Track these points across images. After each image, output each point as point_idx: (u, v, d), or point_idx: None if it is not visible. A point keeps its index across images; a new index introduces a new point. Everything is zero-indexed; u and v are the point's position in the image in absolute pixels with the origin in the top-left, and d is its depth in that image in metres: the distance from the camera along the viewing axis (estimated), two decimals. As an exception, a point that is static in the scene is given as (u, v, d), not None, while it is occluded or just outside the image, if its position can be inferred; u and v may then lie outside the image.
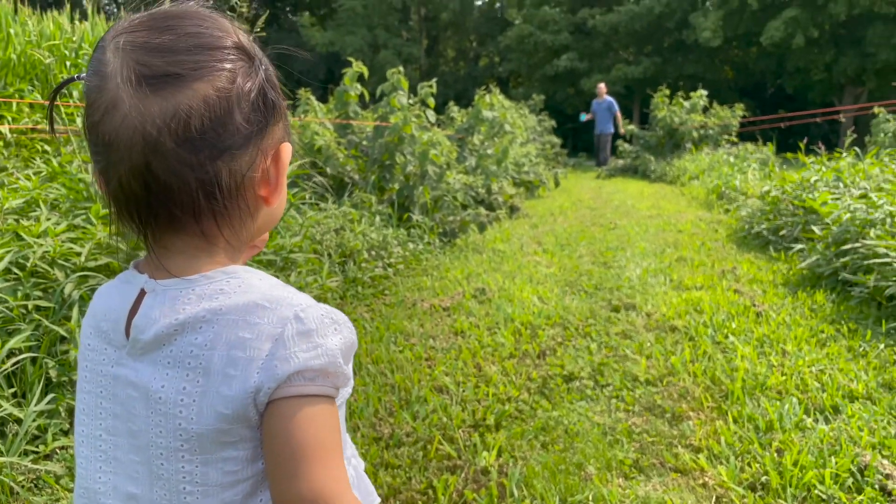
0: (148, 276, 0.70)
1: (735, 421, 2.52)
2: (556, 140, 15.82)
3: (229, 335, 0.65)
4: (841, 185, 5.93)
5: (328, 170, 6.25)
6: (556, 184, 11.24)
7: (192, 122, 0.64)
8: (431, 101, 7.15)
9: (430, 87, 7.06)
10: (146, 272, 0.71)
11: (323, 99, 7.73)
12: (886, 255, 3.90)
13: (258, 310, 0.66)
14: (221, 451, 0.66)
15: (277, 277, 2.83)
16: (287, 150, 0.74)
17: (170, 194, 0.66)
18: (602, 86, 16.06)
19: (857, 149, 7.44)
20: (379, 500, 0.87)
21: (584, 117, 15.81)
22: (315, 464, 0.63)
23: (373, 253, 5.09)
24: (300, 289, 3.63)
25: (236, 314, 0.66)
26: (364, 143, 6.90)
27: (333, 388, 0.67)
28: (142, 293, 0.70)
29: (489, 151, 8.03)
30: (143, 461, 0.68)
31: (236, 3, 3.89)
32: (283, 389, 0.64)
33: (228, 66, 0.66)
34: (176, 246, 0.70)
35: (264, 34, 6.62)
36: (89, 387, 0.72)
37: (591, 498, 2.04)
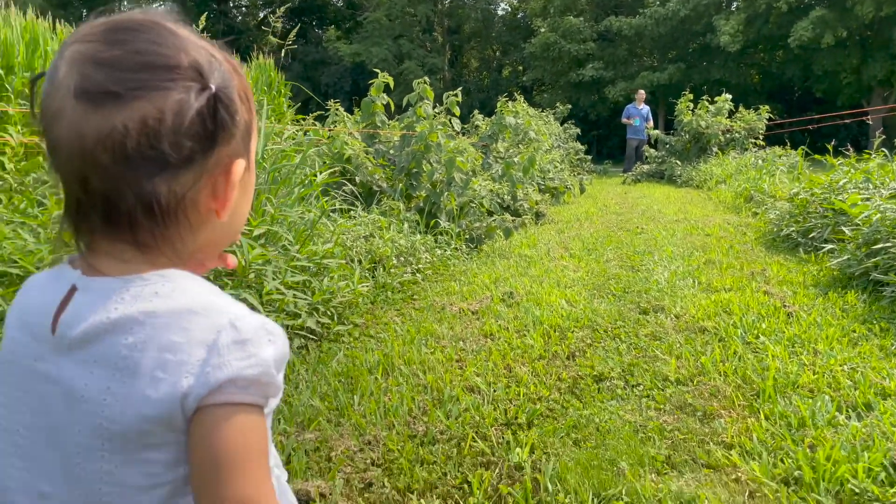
0: (81, 273, 0.69)
1: (767, 418, 2.54)
2: (581, 147, 15.83)
3: (161, 338, 0.64)
4: (870, 186, 5.88)
5: (357, 178, 6.36)
6: (582, 190, 11.24)
7: (128, 142, 0.63)
8: (457, 110, 7.23)
9: (456, 95, 7.14)
10: (79, 268, 0.70)
11: (349, 110, 7.86)
12: (919, 255, 3.88)
13: (192, 315, 0.66)
14: (142, 453, 0.65)
15: (311, 282, 2.90)
16: (239, 166, 0.71)
17: (107, 206, 0.65)
18: (642, 92, 16.08)
19: (885, 150, 7.36)
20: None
21: (637, 122, 15.78)
22: (241, 472, 0.63)
23: (401, 259, 5.16)
24: (332, 294, 3.72)
25: (169, 318, 0.65)
26: (391, 152, 6.99)
27: (264, 398, 0.67)
28: (72, 289, 0.68)
29: (515, 159, 8.08)
30: (59, 459, 0.66)
31: (270, 19, 4.00)
32: (214, 396, 0.64)
33: (173, 85, 0.64)
34: (109, 251, 0.69)
35: (295, 46, 6.78)
36: (10, 379, 0.70)
37: (624, 492, 2.07)
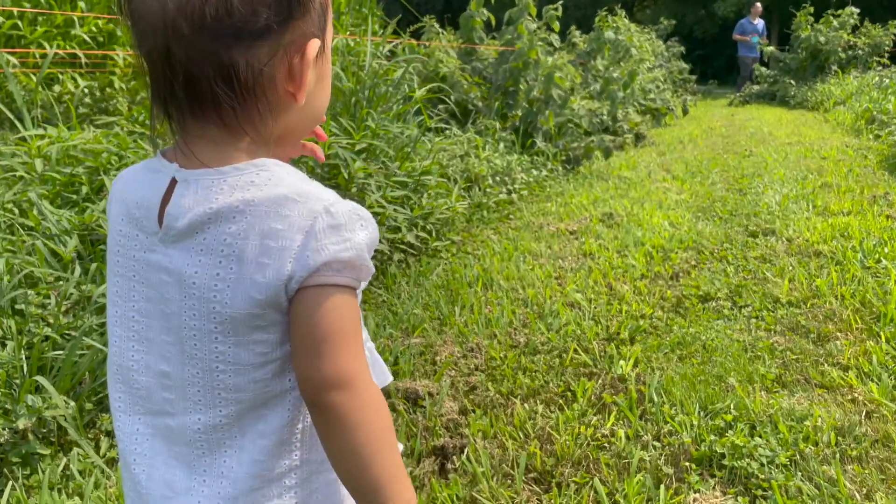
0: (178, 166, 0.71)
1: (888, 341, 2.41)
2: (685, 66, 14.99)
3: (262, 225, 0.66)
4: None
5: (452, 97, 6.28)
6: (685, 111, 10.73)
7: (208, 10, 0.63)
8: (556, 25, 6.95)
9: (556, 9, 6.85)
10: (175, 161, 0.71)
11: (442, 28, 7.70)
12: None
13: (289, 202, 0.67)
14: (253, 334, 0.68)
15: (410, 199, 2.93)
16: (313, 45, 0.71)
17: (189, 80, 0.66)
18: (758, 5, 14.88)
19: None
20: (392, 378, 0.92)
21: (756, 39, 14.77)
22: (338, 347, 0.67)
23: (497, 179, 5.12)
24: (430, 210, 3.75)
25: (268, 206, 0.67)
26: (488, 70, 6.84)
27: (356, 280, 0.70)
28: (173, 182, 0.70)
29: (615, 75, 7.75)
30: (175, 342, 0.70)
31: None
32: (313, 278, 0.67)
33: None
34: (199, 133, 0.70)
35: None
36: (122, 270, 0.74)
37: (732, 407, 2.03)
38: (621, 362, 2.36)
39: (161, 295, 0.70)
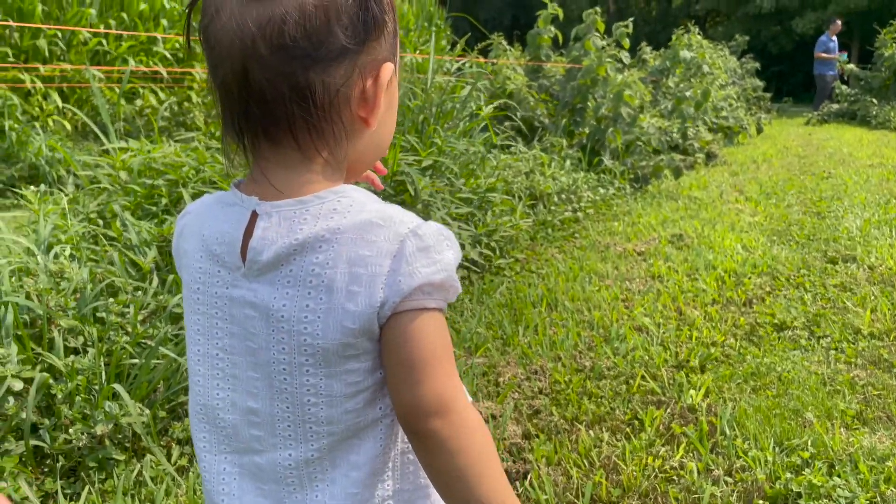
0: (258, 199, 0.69)
1: (983, 381, 2.26)
2: (759, 83, 14.57)
3: (349, 253, 0.66)
4: None
5: (518, 113, 6.27)
6: (759, 130, 10.42)
7: (287, 30, 0.63)
8: (626, 42, 6.88)
9: (626, 26, 6.78)
10: (254, 194, 0.70)
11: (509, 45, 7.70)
12: None
13: (374, 228, 0.67)
14: (345, 364, 0.67)
15: (474, 216, 2.92)
16: (387, 69, 0.70)
17: (265, 102, 0.66)
18: (839, 22, 14.45)
19: None
20: (471, 399, 0.89)
21: (845, 57, 14.33)
22: (434, 371, 0.66)
23: (562, 196, 5.07)
24: (494, 228, 3.73)
25: (353, 232, 0.66)
26: (555, 87, 6.81)
27: (446, 300, 0.69)
28: (253, 215, 0.69)
29: (687, 94, 7.59)
30: (263, 377, 0.70)
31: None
32: (406, 303, 0.66)
33: None
34: (275, 158, 0.70)
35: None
36: (203, 308, 0.73)
37: (809, 444, 1.94)
38: (691, 391, 2.28)
39: (246, 330, 0.70)
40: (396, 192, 3.39)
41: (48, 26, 7.63)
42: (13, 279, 2.12)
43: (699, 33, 9.78)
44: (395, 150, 3.35)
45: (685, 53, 8.14)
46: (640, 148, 6.26)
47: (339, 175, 0.72)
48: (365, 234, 0.66)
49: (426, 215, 3.43)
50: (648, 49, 10.12)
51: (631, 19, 6.76)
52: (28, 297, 2.02)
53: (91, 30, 8.03)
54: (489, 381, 2.38)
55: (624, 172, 5.92)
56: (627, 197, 5.62)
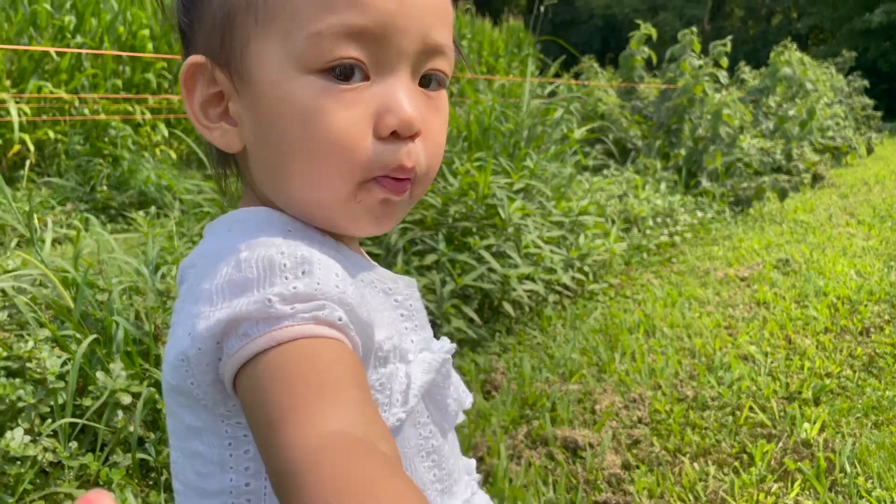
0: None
1: None
2: (869, 102, 13.78)
3: (196, 286, 0.52)
4: None
5: (610, 135, 6.17)
6: (869, 150, 9.82)
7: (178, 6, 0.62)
8: (724, 62, 6.66)
9: (724, 45, 6.57)
10: None
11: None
12: None
13: (227, 255, 0.51)
14: (188, 442, 0.54)
15: (566, 239, 2.84)
16: (193, 63, 0.62)
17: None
18: None
19: None
20: (471, 400, 0.71)
21: None
22: (285, 424, 0.42)
23: (658, 220, 4.92)
24: (588, 250, 3.65)
25: (212, 259, 0.52)
26: (648, 108, 6.66)
27: (312, 322, 0.48)
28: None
29: (790, 113, 7.26)
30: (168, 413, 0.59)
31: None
32: (239, 353, 0.47)
33: None
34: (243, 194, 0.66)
35: (555, 2, 6.72)
36: None
37: (946, 488, 1.76)
38: (805, 425, 2.12)
39: None
40: (487, 215, 3.37)
41: (157, 55, 8.12)
42: (124, 297, 2.22)
43: (797, 50, 9.36)
44: (486, 172, 3.34)
45: (786, 70, 7.79)
46: (740, 169, 6.01)
47: (256, 199, 0.61)
48: (219, 261, 0.51)
49: (517, 238, 3.39)
50: (747, 69, 9.77)
51: (729, 38, 6.54)
52: (137, 315, 2.12)
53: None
54: (585, 408, 2.30)
55: (723, 195, 5.70)
56: (727, 220, 5.39)
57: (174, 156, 7.75)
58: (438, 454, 0.64)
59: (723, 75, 6.45)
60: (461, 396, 0.69)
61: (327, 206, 0.57)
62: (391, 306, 0.64)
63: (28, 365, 1.82)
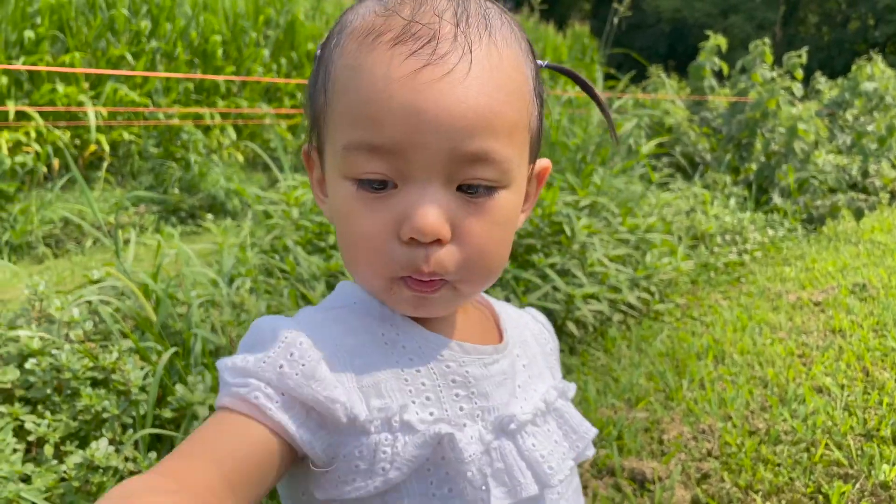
0: None
1: None
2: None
3: None
4: None
5: (678, 148, 6.05)
6: (952, 166, 9.34)
7: None
8: (799, 73, 6.44)
9: (800, 56, 6.36)
10: None
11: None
12: None
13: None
14: None
15: (632, 257, 2.80)
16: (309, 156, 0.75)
17: None
18: None
19: None
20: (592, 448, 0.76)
21: None
22: None
23: (727, 237, 4.79)
24: (654, 268, 3.57)
25: None
26: (717, 120, 6.51)
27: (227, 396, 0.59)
28: None
29: (869, 128, 6.97)
30: None
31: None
32: None
33: None
34: None
35: (629, 13, 6.64)
36: None
37: None
38: (884, 466, 2.04)
39: None
40: (553, 232, 3.35)
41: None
42: (201, 310, 2.29)
43: (881, 62, 8.99)
44: (554, 190, 3.32)
45: (868, 85, 7.49)
46: (814, 186, 5.81)
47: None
48: None
49: (582, 256, 3.35)
50: (823, 79, 9.44)
51: (805, 49, 6.33)
52: (213, 329, 2.18)
53: (266, 79, 8.69)
54: (652, 438, 2.26)
55: (796, 212, 5.52)
56: (800, 239, 5.22)
57: (241, 158, 7.97)
58: None
59: (797, 88, 6.25)
60: (519, 478, 0.65)
61: (370, 290, 0.68)
62: (427, 377, 0.65)
63: (113, 376, 1.90)
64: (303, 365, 0.59)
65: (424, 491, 0.62)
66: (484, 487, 0.63)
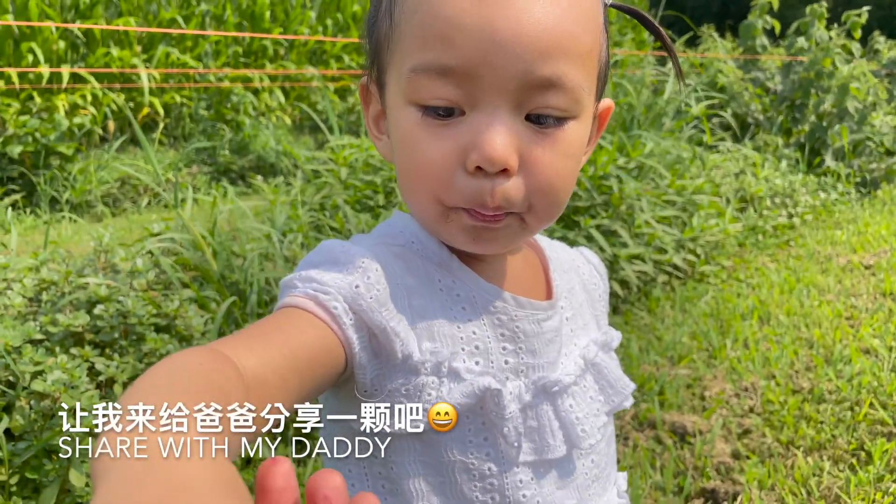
0: None
1: None
2: None
3: None
4: None
5: (729, 109, 5.92)
6: None
7: None
8: (857, 33, 6.21)
9: (859, 15, 6.12)
10: None
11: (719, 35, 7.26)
12: None
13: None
14: None
15: (679, 218, 2.79)
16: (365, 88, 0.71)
17: None
18: None
19: None
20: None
21: None
22: None
23: (776, 200, 4.71)
24: (701, 230, 3.55)
25: None
26: (771, 80, 6.33)
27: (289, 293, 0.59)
28: None
29: (931, 88, 6.71)
30: None
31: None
32: None
33: None
34: None
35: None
36: None
37: None
38: (931, 427, 2.04)
39: None
40: (601, 192, 3.35)
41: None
42: (255, 263, 2.39)
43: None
44: (604, 152, 3.31)
45: (931, 42, 7.16)
46: (869, 149, 5.64)
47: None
48: None
49: (629, 217, 3.35)
50: (882, 38, 9.05)
51: (865, 8, 6.09)
52: (267, 281, 2.28)
53: (310, 36, 8.74)
54: (694, 394, 2.29)
55: (849, 175, 5.38)
56: (853, 203, 5.10)
57: (289, 121, 8.08)
58: (499, 480, 0.63)
59: (856, 47, 6.03)
60: (554, 436, 0.66)
61: (426, 222, 0.66)
62: (477, 327, 0.65)
63: (175, 322, 2.00)
64: (377, 290, 0.59)
65: (462, 437, 0.63)
66: (517, 444, 0.63)
